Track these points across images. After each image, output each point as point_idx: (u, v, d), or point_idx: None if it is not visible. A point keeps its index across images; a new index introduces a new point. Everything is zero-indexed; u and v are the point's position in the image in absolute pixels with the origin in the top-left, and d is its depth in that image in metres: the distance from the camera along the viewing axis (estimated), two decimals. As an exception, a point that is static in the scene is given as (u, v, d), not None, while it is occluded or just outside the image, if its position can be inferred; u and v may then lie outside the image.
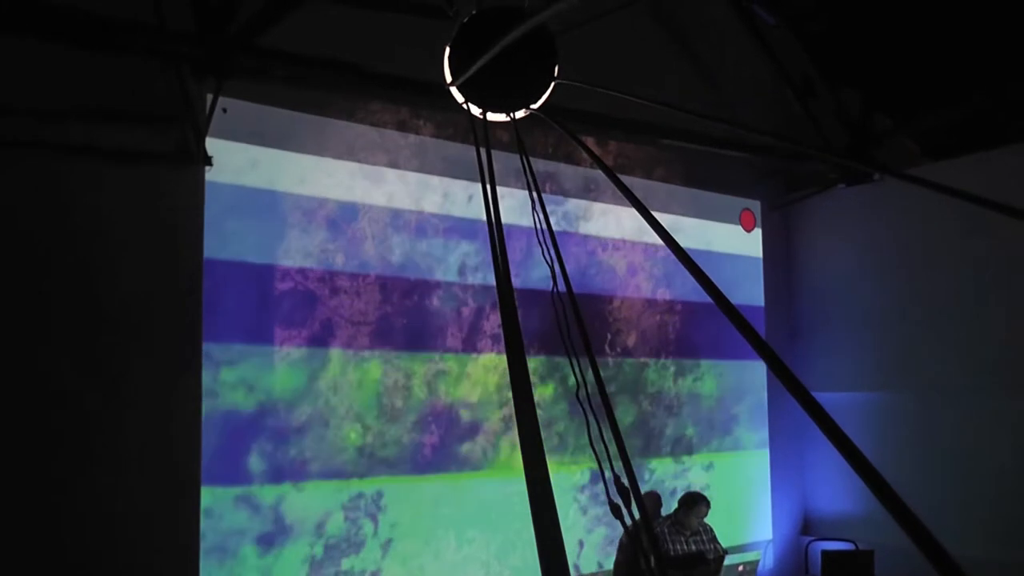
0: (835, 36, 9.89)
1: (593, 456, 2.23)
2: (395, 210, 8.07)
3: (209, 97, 6.90)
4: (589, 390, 2.32)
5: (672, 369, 9.99)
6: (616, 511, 2.19)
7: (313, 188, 7.63)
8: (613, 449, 2.21)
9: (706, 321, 10.21)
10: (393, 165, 8.09)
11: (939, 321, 9.65)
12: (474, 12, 3.25)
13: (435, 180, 8.32)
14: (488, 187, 2.77)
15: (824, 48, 10.02)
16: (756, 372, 10.70)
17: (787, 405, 10.92)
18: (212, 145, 7.05)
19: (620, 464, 2.19)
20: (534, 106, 3.26)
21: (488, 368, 8.51)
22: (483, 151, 2.92)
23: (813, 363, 10.86)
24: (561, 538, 1.87)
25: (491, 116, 3.30)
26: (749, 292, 10.79)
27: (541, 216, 2.68)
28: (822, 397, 8.99)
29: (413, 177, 8.20)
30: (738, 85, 10.18)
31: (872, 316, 10.31)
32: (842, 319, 10.64)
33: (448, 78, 3.31)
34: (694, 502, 8.09)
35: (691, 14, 9.84)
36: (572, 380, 2.44)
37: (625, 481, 2.16)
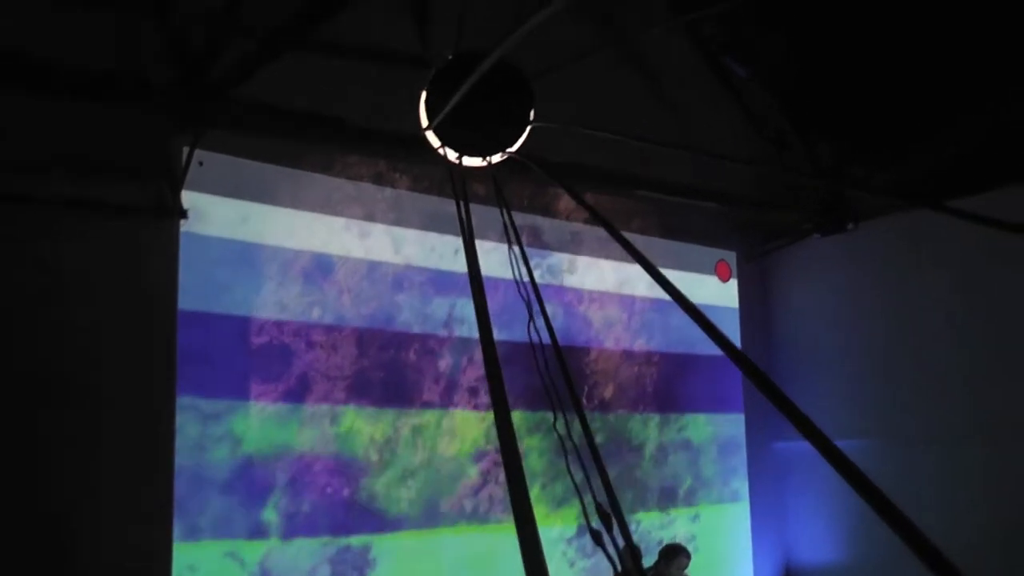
0: (806, 88, 9.99)
1: (574, 490, 2.22)
2: (371, 262, 8.05)
3: (185, 150, 6.90)
4: (567, 420, 2.32)
5: (656, 420, 9.97)
6: (596, 537, 2.18)
7: (289, 240, 7.62)
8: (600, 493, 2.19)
9: (685, 374, 10.22)
10: (369, 218, 8.09)
11: (915, 370, 9.67)
12: (450, 57, 3.27)
13: (411, 233, 8.32)
14: (466, 236, 2.76)
15: (796, 100, 10.11)
16: (735, 424, 10.70)
17: (768, 456, 10.92)
18: (188, 197, 7.04)
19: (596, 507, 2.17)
20: (511, 149, 3.26)
21: (466, 422, 8.47)
22: (461, 197, 2.92)
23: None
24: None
25: (468, 161, 3.30)
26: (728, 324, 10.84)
27: (518, 253, 2.68)
28: (800, 446, 8.97)
29: (389, 230, 8.20)
30: (712, 136, 10.25)
31: (848, 365, 10.33)
32: (818, 368, 10.65)
33: (424, 122, 3.32)
34: (674, 553, 8.06)
35: (665, 65, 9.91)
36: (555, 432, 2.43)
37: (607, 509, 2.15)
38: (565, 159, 8.34)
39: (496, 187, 2.94)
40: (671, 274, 9.05)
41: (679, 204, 9.71)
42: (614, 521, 2.15)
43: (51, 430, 6.31)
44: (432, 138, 3.28)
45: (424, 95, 3.32)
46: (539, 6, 2.15)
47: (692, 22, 9.43)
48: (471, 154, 3.24)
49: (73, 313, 6.49)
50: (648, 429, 9.87)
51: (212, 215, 7.25)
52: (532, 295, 2.58)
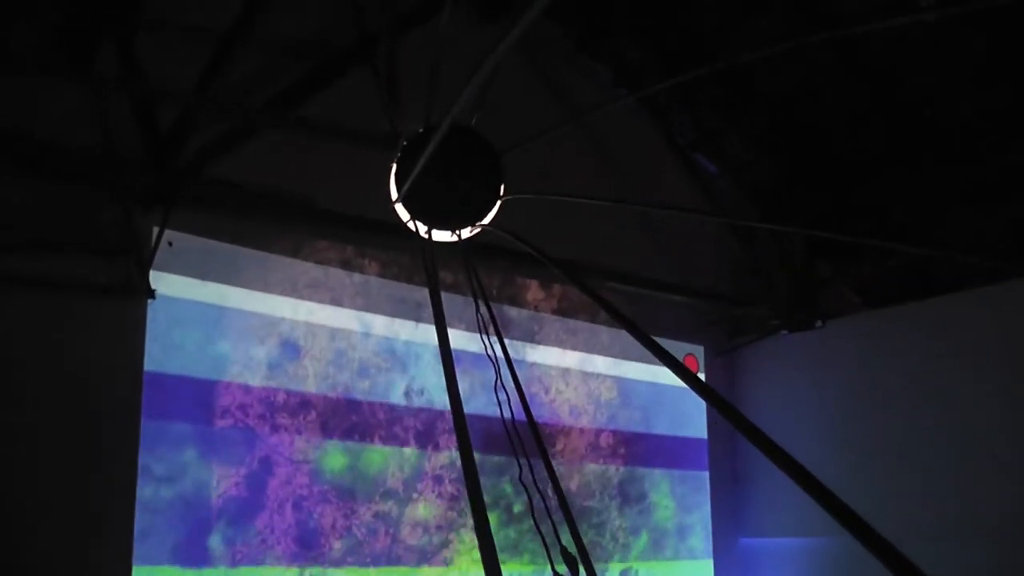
0: (776, 185, 10.13)
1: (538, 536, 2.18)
2: (338, 348, 8.00)
3: (155, 230, 6.87)
4: (531, 467, 2.30)
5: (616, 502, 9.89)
6: None
7: (256, 322, 7.57)
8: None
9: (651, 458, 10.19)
10: (337, 303, 8.06)
11: (882, 467, 9.65)
12: (420, 130, 3.27)
13: (379, 319, 8.29)
14: (436, 310, 2.74)
15: (765, 197, 10.25)
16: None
17: (732, 546, 10.83)
18: (155, 278, 6.99)
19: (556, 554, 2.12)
20: (484, 221, 3.25)
21: (429, 508, 8.35)
22: (430, 268, 2.90)
23: (756, 508, 10.80)
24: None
25: (438, 236, 3.28)
26: (697, 426, 10.86)
27: (485, 315, 2.66)
28: (766, 543, 8.92)
29: (356, 315, 8.17)
30: (681, 232, 10.36)
31: (815, 461, 10.22)
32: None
33: (393, 195, 3.31)
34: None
35: (635, 159, 10.03)
36: (516, 507, 2.41)
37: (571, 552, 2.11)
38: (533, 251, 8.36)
39: (466, 256, 2.92)
40: (638, 366, 9.04)
41: (648, 297, 9.73)
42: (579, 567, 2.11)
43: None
44: (401, 211, 3.26)
45: (394, 167, 3.31)
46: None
47: (659, 114, 9.58)
48: (441, 227, 3.22)
49: (33, 388, 6.39)
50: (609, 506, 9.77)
51: (178, 295, 7.20)
52: (497, 354, 2.57)
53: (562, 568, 2.18)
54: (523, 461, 2.39)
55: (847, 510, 1.47)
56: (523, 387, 2.74)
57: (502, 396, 2.56)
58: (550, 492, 2.35)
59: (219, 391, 7.33)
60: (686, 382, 1.99)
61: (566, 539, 2.24)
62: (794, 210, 10.14)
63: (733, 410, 1.83)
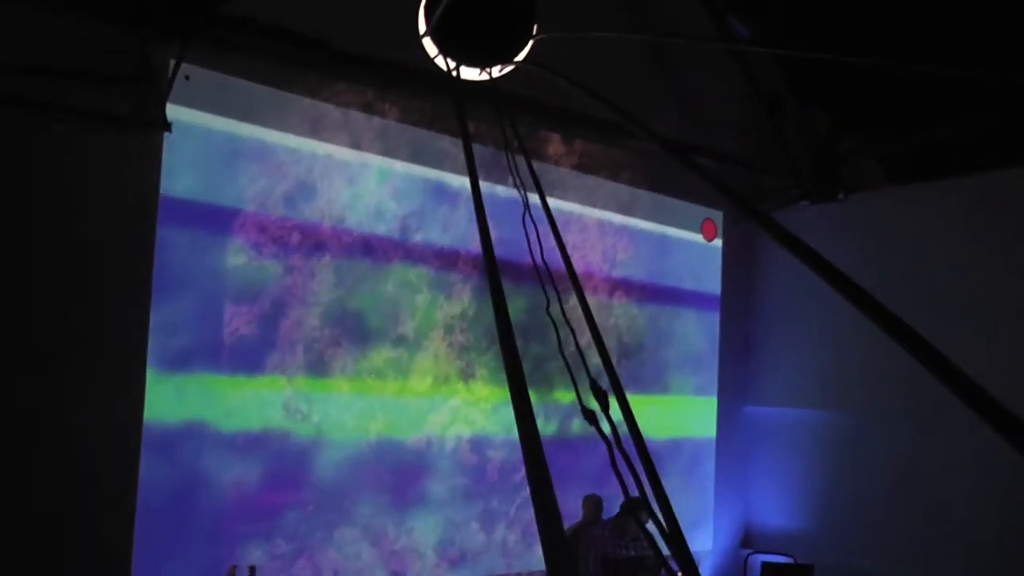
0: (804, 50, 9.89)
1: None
2: (355, 191, 7.93)
3: (171, 62, 6.75)
4: (562, 306, 2.27)
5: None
6: (590, 417, 2.11)
7: (272, 164, 7.48)
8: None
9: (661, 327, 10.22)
10: (356, 147, 7.95)
11: (893, 343, 9.63)
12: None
13: (398, 165, 8.19)
14: (466, 143, 2.66)
15: (796, 67, 10.02)
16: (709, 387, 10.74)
17: (737, 418, 10.93)
18: (172, 111, 6.89)
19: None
20: (518, 58, 3.12)
21: (439, 358, 8.40)
22: (458, 100, 2.80)
23: (764, 377, 10.87)
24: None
25: (468, 75, 3.15)
26: (709, 282, 10.96)
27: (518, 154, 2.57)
28: (772, 412, 8.95)
29: (376, 160, 8.07)
30: (708, 96, 10.17)
31: (827, 335, 10.30)
32: (797, 335, 10.64)
33: (422, 28, 3.17)
34: (636, 507, 8.01)
35: (666, 20, 9.78)
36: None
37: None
38: (560, 104, 8.23)
39: (495, 94, 2.81)
40: (656, 228, 8.95)
41: (669, 158, 9.60)
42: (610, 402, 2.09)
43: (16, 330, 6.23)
44: (429, 46, 3.14)
45: (423, 2, 3.17)
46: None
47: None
48: (471, 64, 3.09)
49: (49, 218, 6.37)
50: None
51: (193, 130, 7.11)
52: (525, 187, 2.50)
53: (592, 403, 2.14)
54: (551, 294, 2.33)
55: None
56: (540, 239, 2.67)
57: (530, 229, 2.49)
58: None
59: (233, 228, 7.28)
60: (747, 212, 1.90)
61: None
62: (822, 82, 9.94)
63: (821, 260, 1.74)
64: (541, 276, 2.32)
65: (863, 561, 9.75)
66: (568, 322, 2.28)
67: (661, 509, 1.94)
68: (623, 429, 2.22)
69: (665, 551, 2.07)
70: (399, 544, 8.09)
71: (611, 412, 2.16)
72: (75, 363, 6.42)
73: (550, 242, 2.56)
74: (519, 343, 1.93)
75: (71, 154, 6.47)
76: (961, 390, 1.39)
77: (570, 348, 2.27)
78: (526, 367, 1.96)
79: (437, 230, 8.38)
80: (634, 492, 2.04)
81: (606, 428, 2.13)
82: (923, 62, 7.42)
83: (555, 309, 2.29)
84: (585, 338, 2.35)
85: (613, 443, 2.02)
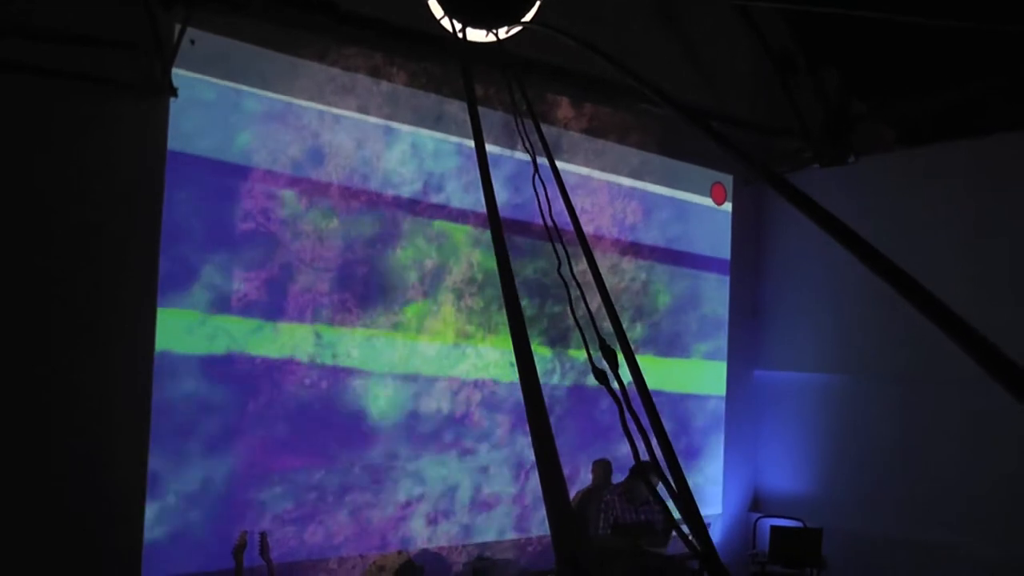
0: (820, 16, 9.79)
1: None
2: (363, 155, 7.89)
3: (177, 27, 6.71)
4: (573, 270, 2.26)
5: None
6: (600, 376, 2.10)
7: (280, 129, 7.45)
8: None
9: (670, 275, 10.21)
10: (363, 111, 7.91)
11: (903, 307, 9.61)
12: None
13: (404, 129, 8.15)
14: (472, 104, 2.63)
15: (807, 26, 9.92)
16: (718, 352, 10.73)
17: (747, 378, 10.93)
18: (178, 77, 6.85)
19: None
20: (525, 18, 3.08)
21: (447, 322, 8.39)
22: (464, 63, 2.77)
23: (774, 341, 10.86)
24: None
25: (475, 36, 3.11)
26: (719, 246, 10.94)
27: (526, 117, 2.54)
28: (779, 376, 8.92)
29: (382, 124, 8.02)
30: (718, 56, 10.10)
31: (835, 299, 10.28)
32: (807, 298, 10.62)
33: (428, -10, 3.13)
34: (646, 471, 8.02)
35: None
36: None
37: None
38: (567, 66, 8.17)
39: (503, 58, 2.77)
40: (666, 192, 8.92)
41: (682, 121, 9.53)
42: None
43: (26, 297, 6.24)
44: (435, 6, 3.09)
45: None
46: None
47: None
48: (477, 25, 3.05)
49: (56, 182, 6.36)
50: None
51: (199, 96, 7.08)
52: (534, 148, 2.48)
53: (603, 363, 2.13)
54: (561, 254, 2.32)
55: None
56: (549, 201, 2.65)
57: (539, 190, 2.48)
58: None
59: (240, 194, 7.27)
60: (764, 176, 1.87)
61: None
62: (834, 43, 9.84)
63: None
64: (552, 236, 2.31)
65: (872, 525, 9.76)
66: (579, 285, 2.27)
67: (671, 472, 1.92)
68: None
69: (676, 515, 2.05)
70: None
71: (620, 373, 2.15)
72: (83, 332, 6.44)
73: (560, 204, 2.55)
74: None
75: (78, 119, 6.46)
76: (977, 351, 1.36)
77: (581, 310, 2.26)
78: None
79: (445, 194, 8.37)
80: (644, 454, 2.02)
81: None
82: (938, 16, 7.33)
83: (565, 270, 2.28)
84: (596, 301, 2.34)
85: (623, 402, 2.00)
